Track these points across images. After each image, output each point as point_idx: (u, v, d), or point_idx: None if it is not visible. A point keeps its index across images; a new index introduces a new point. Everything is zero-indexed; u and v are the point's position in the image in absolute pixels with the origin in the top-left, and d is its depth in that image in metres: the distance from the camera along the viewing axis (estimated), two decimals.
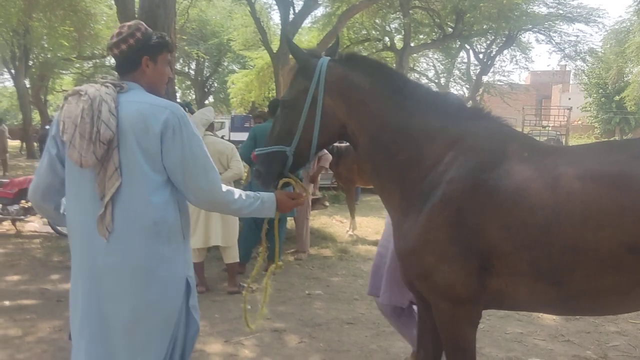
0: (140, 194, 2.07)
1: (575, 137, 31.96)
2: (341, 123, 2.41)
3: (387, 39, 22.17)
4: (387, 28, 22.38)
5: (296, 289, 5.84)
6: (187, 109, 6.33)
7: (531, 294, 2.15)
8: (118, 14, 8.74)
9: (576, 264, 2.03)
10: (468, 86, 28.64)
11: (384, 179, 2.42)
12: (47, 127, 19.16)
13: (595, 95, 38.71)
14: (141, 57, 2.21)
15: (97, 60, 26.29)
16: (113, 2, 9.42)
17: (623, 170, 2.05)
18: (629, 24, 26.55)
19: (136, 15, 8.65)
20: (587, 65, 24.80)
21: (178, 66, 28.59)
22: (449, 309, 2.22)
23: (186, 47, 26.71)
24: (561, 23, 21.28)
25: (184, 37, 23.81)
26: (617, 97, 33.53)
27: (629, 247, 1.98)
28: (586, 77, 32.71)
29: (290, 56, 2.55)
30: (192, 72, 31.76)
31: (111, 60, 28.54)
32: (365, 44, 22.62)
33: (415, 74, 29.21)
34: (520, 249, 2.08)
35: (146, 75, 2.24)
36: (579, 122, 40.76)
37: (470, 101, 29.41)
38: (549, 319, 4.96)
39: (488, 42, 24.27)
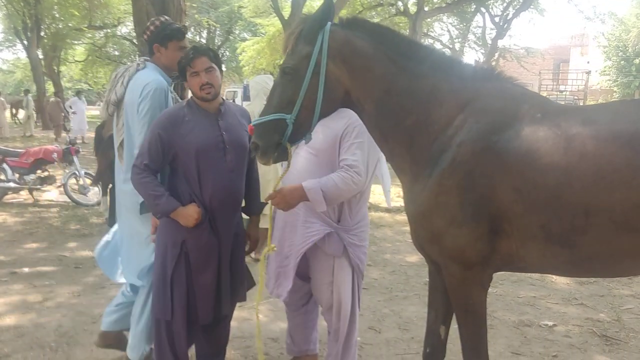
0: (128, 148, 3.01)
1: (593, 101, 31.27)
2: (345, 90, 2.34)
3: (400, 3, 21.74)
4: None
5: None
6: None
7: (543, 257, 2.12)
8: None
9: (588, 226, 2.00)
10: (483, 51, 28.06)
11: (392, 145, 2.38)
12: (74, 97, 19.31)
13: (614, 58, 37.64)
14: (152, 44, 3.03)
15: (109, 30, 26.15)
16: None
17: (639, 130, 2.00)
18: None
19: None
20: (606, 28, 24.14)
21: (189, 35, 28.26)
22: (459, 272, 2.21)
23: (197, 15, 26.44)
24: None
25: (194, 4, 23.55)
26: (637, 60, 32.62)
27: None
28: (605, 40, 31.82)
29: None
30: (204, 41, 31.49)
31: (122, 30, 28.46)
32: (378, 9, 22.22)
33: (429, 39, 28.67)
34: (531, 211, 2.05)
35: (159, 58, 3.05)
36: (598, 86, 39.83)
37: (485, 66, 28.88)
38: (562, 282, 4.97)
39: (504, 4, 23.66)
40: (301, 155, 2.79)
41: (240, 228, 2.97)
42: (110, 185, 7.45)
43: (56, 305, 4.37)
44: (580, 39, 47.64)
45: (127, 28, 27.02)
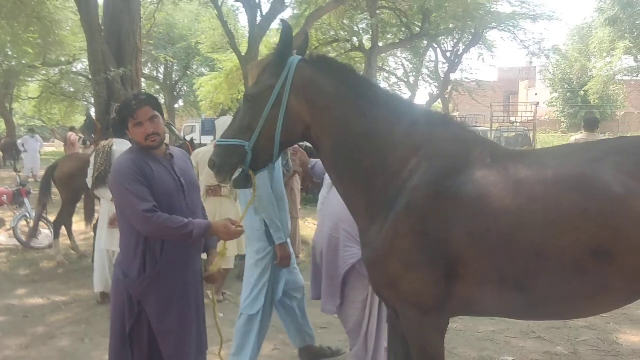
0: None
1: (542, 131, 32.57)
2: (306, 125, 2.39)
3: (355, 39, 22.29)
4: (355, 28, 22.48)
5: None
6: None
7: (498, 300, 2.15)
8: (82, 21, 8.55)
9: (540, 269, 2.04)
10: (437, 84, 28.93)
11: (348, 187, 2.41)
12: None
13: (560, 90, 39.53)
14: None
15: (63, 67, 25.66)
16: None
17: (584, 173, 2.07)
18: (591, 20, 27.22)
19: (100, 22, 8.49)
20: (551, 63, 25.37)
21: (146, 70, 28.17)
22: (416, 317, 2.22)
23: (154, 52, 26.36)
24: (525, 21, 21.75)
25: (151, 41, 23.49)
26: (581, 91, 34.30)
27: (593, 250, 1.99)
28: (550, 74, 33.40)
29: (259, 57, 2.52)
30: (161, 76, 31.33)
31: (78, 67, 28.00)
32: (334, 44, 22.67)
33: (385, 73, 29.37)
34: (485, 255, 2.09)
35: None
36: (546, 117, 41.59)
37: (440, 99, 29.77)
38: None
39: (455, 40, 24.58)
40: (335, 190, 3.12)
41: (201, 271, 2.91)
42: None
43: (3, 358, 4.13)
44: (528, 72, 49.95)
45: (82, 64, 26.59)
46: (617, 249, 1.99)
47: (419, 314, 2.21)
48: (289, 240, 3.66)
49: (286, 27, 2.38)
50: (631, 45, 23.96)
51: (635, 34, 24.13)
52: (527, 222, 2.05)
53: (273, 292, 3.67)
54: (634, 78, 32.99)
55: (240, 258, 6.17)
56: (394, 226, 2.21)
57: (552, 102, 40.99)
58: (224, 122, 5.79)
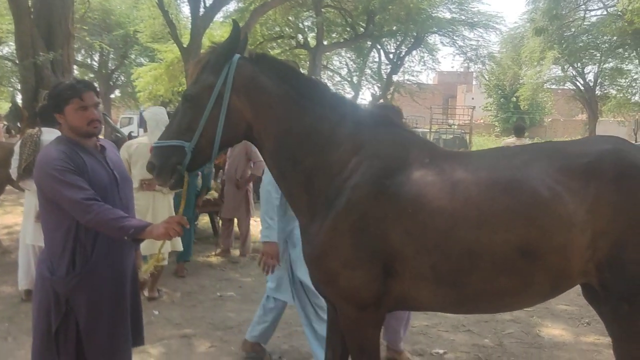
0: None
1: (478, 134, 33.83)
2: (248, 124, 2.36)
3: (300, 36, 22.32)
4: (301, 26, 22.49)
5: (207, 291, 5.72)
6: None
7: (433, 297, 2.23)
8: (9, 2, 8.06)
9: (473, 267, 2.13)
10: (379, 85, 29.41)
11: (290, 184, 2.41)
12: None
13: (495, 95, 41.34)
14: None
15: None
16: None
17: (515, 176, 2.18)
18: (522, 30, 28.48)
19: (30, 4, 8.05)
20: (486, 69, 26.46)
21: (79, 57, 26.89)
22: (353, 313, 2.26)
23: (87, 38, 25.20)
24: (463, 28, 22.56)
25: (85, 27, 22.44)
26: (514, 98, 35.93)
27: (521, 249, 2.11)
28: (486, 80, 34.84)
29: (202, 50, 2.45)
30: (96, 64, 30.00)
31: (4, 50, 26.33)
32: (279, 40, 22.59)
33: (329, 72, 29.55)
34: (422, 253, 2.15)
35: None
36: (482, 121, 43.32)
37: (382, 100, 30.29)
38: None
39: (397, 42, 25.11)
40: None
41: (135, 268, 2.82)
42: None
43: None
44: (466, 77, 51.83)
45: (9, 48, 25.03)
46: (542, 249, 2.11)
47: (356, 310, 2.25)
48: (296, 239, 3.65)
49: (236, 27, 2.36)
50: (559, 55, 25.28)
51: (564, 45, 25.47)
52: (462, 222, 2.13)
53: (294, 285, 3.66)
54: (561, 87, 34.89)
55: (178, 255, 6.03)
56: (333, 224, 2.23)
57: (487, 107, 42.76)
58: (153, 113, 5.59)
